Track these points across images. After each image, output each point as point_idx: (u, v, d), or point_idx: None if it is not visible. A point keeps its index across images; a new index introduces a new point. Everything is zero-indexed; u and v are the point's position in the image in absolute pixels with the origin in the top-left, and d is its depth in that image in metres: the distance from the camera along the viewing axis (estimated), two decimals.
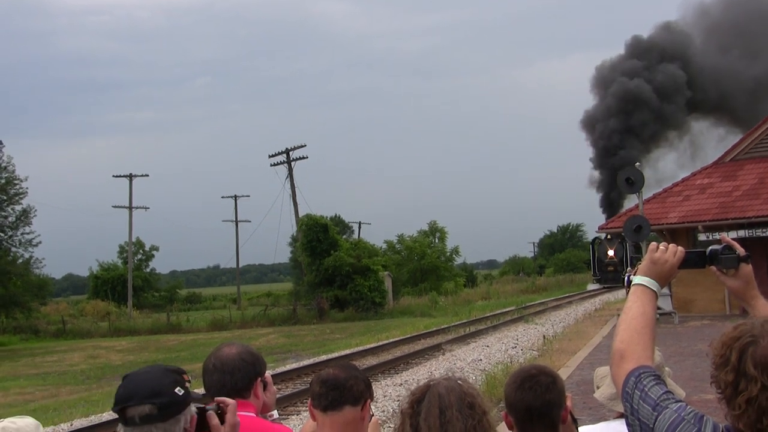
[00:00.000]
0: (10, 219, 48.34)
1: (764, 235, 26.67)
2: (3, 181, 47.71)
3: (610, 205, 67.24)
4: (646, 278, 2.39)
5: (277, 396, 8.58)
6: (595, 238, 64.77)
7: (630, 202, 53.58)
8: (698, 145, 68.64)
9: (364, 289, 46.63)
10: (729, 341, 1.92)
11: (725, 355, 1.91)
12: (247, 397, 2.97)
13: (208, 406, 2.31)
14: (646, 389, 2.09)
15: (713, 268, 2.47)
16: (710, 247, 2.45)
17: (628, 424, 2.12)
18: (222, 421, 2.32)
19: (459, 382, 2.58)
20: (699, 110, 67.02)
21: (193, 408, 2.23)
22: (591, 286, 63.99)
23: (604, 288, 59.54)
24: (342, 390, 2.69)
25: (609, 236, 58.19)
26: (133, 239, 66.27)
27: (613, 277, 59.89)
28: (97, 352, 35.16)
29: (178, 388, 2.17)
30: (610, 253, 60.61)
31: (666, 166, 69.11)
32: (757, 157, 29.58)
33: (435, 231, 76.96)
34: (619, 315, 2.43)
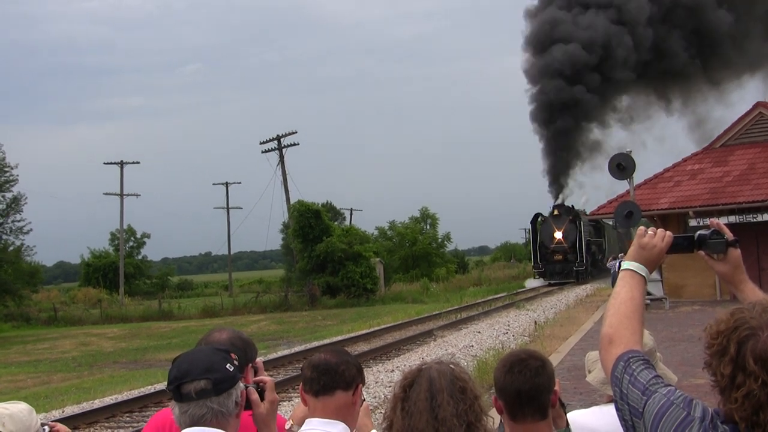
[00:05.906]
0: (0, 207, 48.16)
1: (754, 220, 26.80)
2: None
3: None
4: (635, 263, 2.37)
5: None
6: (537, 215, 47.25)
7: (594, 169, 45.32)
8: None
9: (355, 275, 46.59)
10: (726, 331, 1.88)
11: (722, 344, 1.88)
12: None
13: (248, 384, 2.52)
14: (635, 374, 2.07)
15: (701, 252, 2.44)
16: (698, 232, 2.43)
17: (617, 409, 2.10)
18: (262, 398, 2.55)
19: (451, 366, 2.58)
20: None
21: (241, 384, 2.40)
22: (530, 283, 47.09)
23: (549, 285, 43.73)
24: (333, 375, 2.69)
25: (556, 212, 44.90)
26: (125, 226, 66.16)
27: (561, 269, 44.34)
28: (89, 339, 35.09)
29: (229, 364, 2.33)
30: (558, 235, 44.49)
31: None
32: (747, 143, 29.67)
33: (426, 217, 76.96)
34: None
